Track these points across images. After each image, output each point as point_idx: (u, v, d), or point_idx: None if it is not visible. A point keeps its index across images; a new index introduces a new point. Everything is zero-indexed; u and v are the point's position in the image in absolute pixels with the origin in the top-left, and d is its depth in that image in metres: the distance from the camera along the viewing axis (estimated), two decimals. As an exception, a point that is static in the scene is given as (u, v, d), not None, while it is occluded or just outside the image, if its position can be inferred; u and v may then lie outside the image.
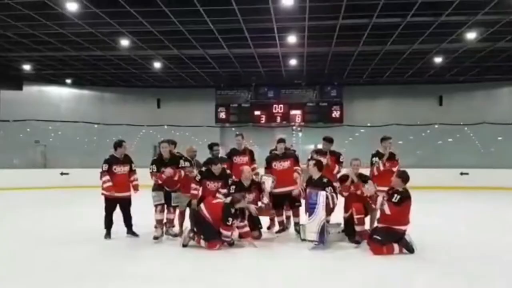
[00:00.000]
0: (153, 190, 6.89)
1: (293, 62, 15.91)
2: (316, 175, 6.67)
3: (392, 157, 7.25)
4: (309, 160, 7.24)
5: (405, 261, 5.62)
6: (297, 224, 7.19)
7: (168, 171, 6.80)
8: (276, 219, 7.52)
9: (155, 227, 6.87)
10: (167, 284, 4.80)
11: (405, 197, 5.95)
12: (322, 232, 6.19)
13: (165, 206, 6.94)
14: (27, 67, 17.14)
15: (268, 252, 6.27)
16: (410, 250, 5.91)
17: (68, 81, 19.68)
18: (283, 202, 7.35)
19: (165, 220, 6.96)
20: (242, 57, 15.23)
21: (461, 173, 17.09)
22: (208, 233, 6.30)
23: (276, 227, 7.56)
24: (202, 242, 6.28)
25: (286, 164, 7.25)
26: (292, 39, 13.08)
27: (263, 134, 18.10)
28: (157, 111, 20.50)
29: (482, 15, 10.89)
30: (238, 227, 6.57)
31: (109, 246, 6.61)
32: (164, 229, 6.96)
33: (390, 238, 5.94)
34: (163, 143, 6.96)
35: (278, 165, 7.31)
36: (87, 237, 7.04)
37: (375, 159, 7.32)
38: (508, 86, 18.75)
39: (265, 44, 13.75)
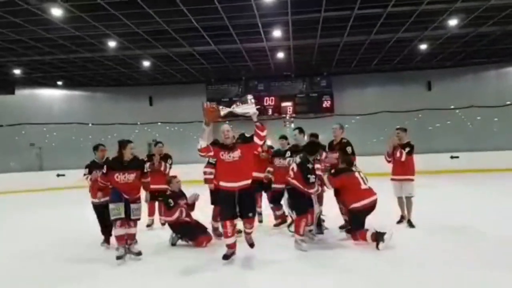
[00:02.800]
0: (111, 201, 5.92)
1: (280, 55, 16.04)
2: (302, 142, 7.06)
3: (396, 147, 7.48)
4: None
5: (399, 249, 5.86)
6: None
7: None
8: (276, 213, 7.62)
9: (117, 248, 5.92)
10: None
11: (342, 172, 6.49)
12: (319, 223, 6.70)
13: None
14: (17, 71, 17.24)
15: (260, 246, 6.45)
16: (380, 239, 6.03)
17: (59, 83, 19.76)
18: (281, 197, 7.45)
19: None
20: (230, 52, 15.33)
21: (451, 157, 17.40)
22: (190, 233, 6.49)
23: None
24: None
25: (286, 162, 7.16)
26: (277, 33, 13.23)
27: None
28: (150, 108, 20.65)
29: (462, 2, 11.03)
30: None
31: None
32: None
33: (356, 223, 6.24)
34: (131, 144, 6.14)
35: (278, 162, 7.45)
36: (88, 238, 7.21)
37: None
38: (495, 69, 18.90)
39: (251, 39, 13.88)
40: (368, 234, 6.02)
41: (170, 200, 6.50)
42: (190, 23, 11.89)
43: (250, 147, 5.55)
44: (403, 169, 7.41)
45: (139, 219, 6.11)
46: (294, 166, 6.22)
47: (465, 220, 7.63)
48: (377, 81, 19.73)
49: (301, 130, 7.34)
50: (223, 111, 5.36)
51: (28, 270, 5.67)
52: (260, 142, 5.47)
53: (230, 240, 5.53)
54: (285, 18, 11.88)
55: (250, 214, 5.50)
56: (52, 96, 20.26)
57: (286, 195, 6.61)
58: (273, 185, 7.45)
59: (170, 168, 8.35)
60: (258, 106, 5.42)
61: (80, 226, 8.39)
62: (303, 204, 6.11)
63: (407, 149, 7.38)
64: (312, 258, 5.67)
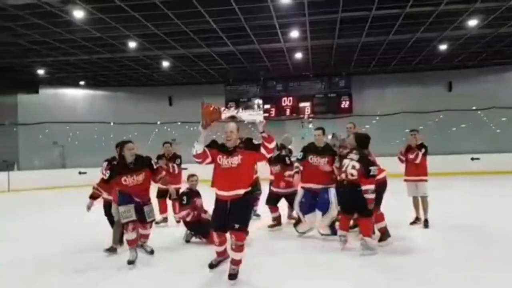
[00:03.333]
0: (120, 204, 5.65)
1: (298, 55, 16.09)
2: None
3: (412, 148, 7.50)
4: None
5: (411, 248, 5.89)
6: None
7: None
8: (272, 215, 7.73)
9: (130, 250, 5.65)
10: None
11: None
12: (332, 225, 6.60)
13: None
14: (41, 71, 17.73)
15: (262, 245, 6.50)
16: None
17: (82, 83, 20.24)
18: (279, 200, 7.68)
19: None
20: (248, 53, 15.47)
21: (472, 159, 17.15)
22: (203, 231, 6.58)
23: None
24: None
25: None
26: (294, 34, 13.29)
27: (273, 127, 18.29)
28: (169, 108, 20.95)
29: (482, 2, 10.92)
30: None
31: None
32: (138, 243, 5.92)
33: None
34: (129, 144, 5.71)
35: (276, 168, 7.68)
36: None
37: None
38: (517, 69, 18.58)
39: (269, 40, 13.97)
40: (380, 225, 6.06)
41: (184, 197, 6.62)
42: (208, 25, 12.06)
43: (253, 156, 4.83)
44: (417, 170, 7.43)
45: (154, 220, 6.03)
46: (355, 164, 5.78)
47: (481, 221, 7.64)
48: (396, 81, 19.57)
49: (323, 131, 6.94)
50: (225, 113, 4.73)
51: (47, 267, 5.78)
52: (267, 155, 4.83)
53: (218, 249, 5.20)
54: (302, 19, 11.94)
55: (236, 226, 4.67)
56: (75, 95, 20.74)
57: (299, 198, 6.66)
58: (273, 188, 7.70)
59: (180, 167, 8.35)
60: (266, 114, 5.13)
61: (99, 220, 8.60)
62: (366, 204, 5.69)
63: (423, 150, 7.40)
64: (328, 259, 5.66)
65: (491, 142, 17.77)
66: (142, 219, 5.70)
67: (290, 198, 7.36)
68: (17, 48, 14.16)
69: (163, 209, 8.37)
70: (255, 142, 4.79)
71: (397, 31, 13.14)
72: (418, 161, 7.36)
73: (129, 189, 5.58)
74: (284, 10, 11.23)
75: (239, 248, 4.74)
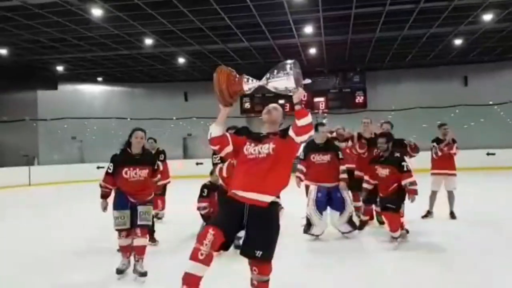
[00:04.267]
0: (115, 207, 4.88)
1: (312, 51, 16.17)
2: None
3: (448, 142, 7.62)
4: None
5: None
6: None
7: None
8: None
9: (123, 257, 4.95)
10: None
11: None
12: (350, 220, 6.41)
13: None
14: (60, 68, 18.14)
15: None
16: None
17: (100, 79, 20.62)
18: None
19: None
20: (262, 49, 15.61)
21: (488, 154, 17.06)
22: None
23: None
24: None
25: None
26: (308, 29, 13.38)
27: (289, 122, 18.39)
28: (185, 104, 21.21)
29: (496, -4, 10.91)
30: None
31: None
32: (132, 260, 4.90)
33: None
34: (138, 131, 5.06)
35: None
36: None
37: (434, 144, 7.77)
38: (534, 64, 18.38)
39: (283, 36, 14.09)
40: (402, 219, 5.98)
41: (205, 190, 6.68)
42: (223, 21, 12.23)
43: (286, 145, 3.34)
44: (448, 164, 7.60)
45: (147, 225, 4.93)
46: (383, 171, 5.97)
47: (492, 215, 7.73)
48: (411, 76, 19.52)
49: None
50: (248, 84, 3.32)
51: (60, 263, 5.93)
52: (299, 139, 3.27)
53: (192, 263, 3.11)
54: (316, 15, 12.03)
55: (258, 253, 3.18)
56: (93, 91, 21.15)
57: (313, 194, 6.37)
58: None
59: (164, 162, 8.02)
60: (308, 81, 3.39)
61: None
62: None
63: (456, 145, 7.58)
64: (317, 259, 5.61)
65: (507, 137, 17.62)
66: (133, 221, 4.82)
67: None
68: (37, 46, 14.52)
69: (155, 206, 7.58)
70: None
71: (411, 26, 13.13)
72: (453, 151, 7.51)
73: (128, 185, 4.80)
74: (298, 6, 11.34)
75: (263, 286, 3.33)
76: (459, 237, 6.25)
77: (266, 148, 3.33)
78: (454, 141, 7.62)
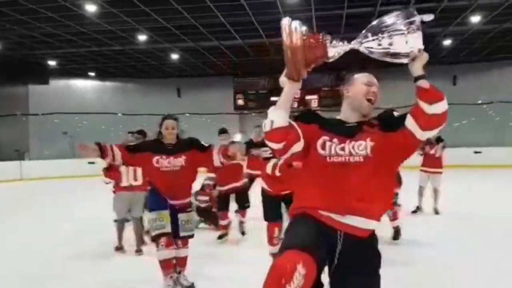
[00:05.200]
0: (150, 207, 4.13)
1: (305, 49, 16.26)
2: None
3: (430, 141, 7.83)
4: None
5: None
6: None
7: None
8: None
9: (165, 276, 4.00)
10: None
11: None
12: None
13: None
14: (52, 63, 18.13)
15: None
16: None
17: (92, 74, 20.61)
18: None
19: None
20: (256, 46, 15.73)
21: (475, 152, 17.34)
22: (212, 218, 6.88)
23: None
24: None
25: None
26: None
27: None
28: (178, 100, 21.23)
29: (485, -2, 11.13)
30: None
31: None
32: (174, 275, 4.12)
33: None
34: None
35: None
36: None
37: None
38: (521, 64, 18.70)
39: (277, 34, 14.11)
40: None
41: (206, 184, 6.84)
42: (217, 19, 12.33)
43: (392, 143, 2.16)
44: (435, 163, 7.92)
45: (191, 236, 4.18)
46: None
47: (476, 212, 7.97)
48: (401, 75, 19.62)
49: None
50: (335, 47, 2.20)
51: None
52: (426, 134, 2.13)
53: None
54: (309, 14, 12.16)
55: None
56: (85, 86, 21.14)
57: None
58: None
59: None
60: (431, 16, 2.10)
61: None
62: None
63: (441, 144, 7.86)
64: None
65: (494, 135, 17.95)
66: (174, 232, 4.02)
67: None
68: (29, 41, 14.51)
69: None
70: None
71: (402, 26, 13.29)
72: (437, 154, 7.87)
73: (161, 177, 3.98)
74: (291, 6, 11.49)
75: None
76: (443, 232, 6.47)
77: (362, 147, 2.14)
78: (440, 139, 7.83)
